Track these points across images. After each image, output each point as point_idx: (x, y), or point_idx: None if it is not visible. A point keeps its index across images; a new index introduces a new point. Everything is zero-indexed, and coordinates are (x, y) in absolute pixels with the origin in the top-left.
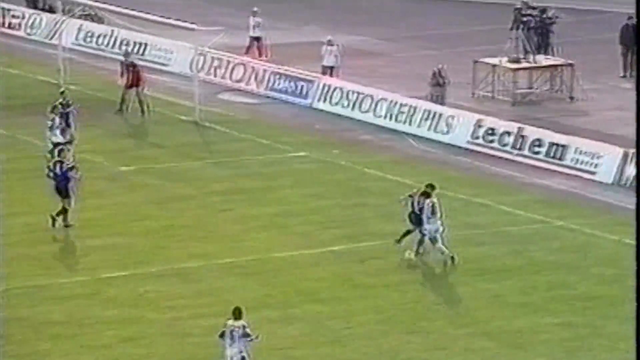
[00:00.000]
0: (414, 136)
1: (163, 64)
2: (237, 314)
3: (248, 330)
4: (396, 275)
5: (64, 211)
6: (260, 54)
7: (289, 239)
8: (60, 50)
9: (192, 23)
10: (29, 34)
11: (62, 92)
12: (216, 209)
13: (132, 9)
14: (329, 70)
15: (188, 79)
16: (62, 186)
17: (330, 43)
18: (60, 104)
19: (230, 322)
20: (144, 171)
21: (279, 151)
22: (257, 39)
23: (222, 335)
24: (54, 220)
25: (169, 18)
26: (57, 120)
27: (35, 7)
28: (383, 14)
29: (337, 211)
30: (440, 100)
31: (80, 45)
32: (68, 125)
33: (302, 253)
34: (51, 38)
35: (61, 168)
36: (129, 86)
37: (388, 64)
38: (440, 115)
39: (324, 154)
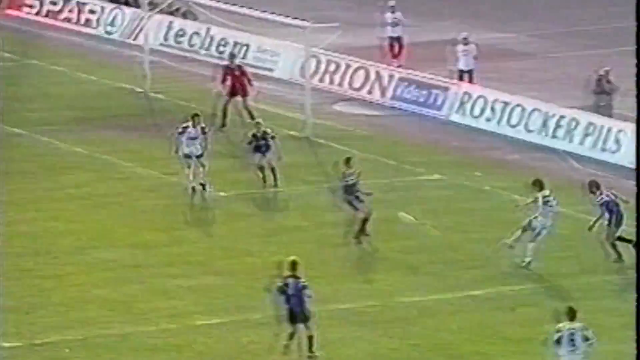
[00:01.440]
0: (575, 155)
1: (268, 69)
2: (572, 313)
3: (588, 332)
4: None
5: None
6: (394, 57)
7: (420, 280)
8: (145, 52)
9: (302, 20)
10: (107, 33)
11: (258, 124)
12: (331, 244)
13: (231, 4)
14: (467, 75)
15: (298, 87)
16: None
17: (465, 41)
18: (254, 135)
19: (566, 324)
20: (245, 198)
21: (407, 173)
22: (397, 39)
23: (558, 341)
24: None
25: (275, 14)
26: (192, 130)
27: (116, 1)
28: (533, 5)
29: (479, 247)
30: (606, 111)
31: (168, 46)
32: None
33: (436, 298)
34: (134, 38)
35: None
36: (232, 94)
37: (540, 67)
38: (608, 129)
39: (463, 177)
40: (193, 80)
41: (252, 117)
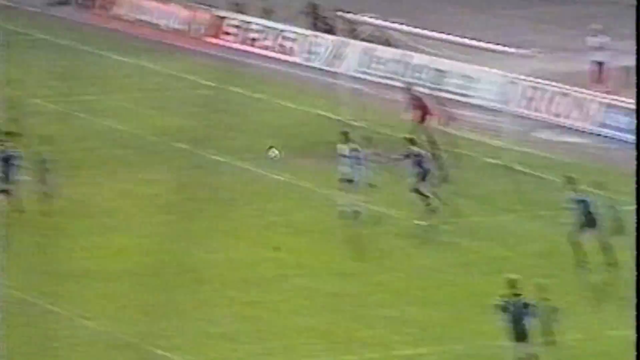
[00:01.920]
0: None
1: (465, 95)
2: None
3: None
4: None
5: None
6: (599, 82)
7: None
8: (343, 79)
9: (502, 45)
10: (306, 60)
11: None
12: (537, 274)
13: (427, 29)
14: None
15: (496, 113)
16: None
17: None
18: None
19: None
20: (444, 226)
21: (613, 204)
22: (601, 63)
23: None
24: None
25: (473, 39)
26: (352, 152)
27: (315, 27)
28: None
29: None
30: None
31: (366, 72)
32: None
33: None
34: (332, 64)
35: None
36: (419, 122)
37: None
38: None
39: None
40: (390, 107)
41: (434, 143)
